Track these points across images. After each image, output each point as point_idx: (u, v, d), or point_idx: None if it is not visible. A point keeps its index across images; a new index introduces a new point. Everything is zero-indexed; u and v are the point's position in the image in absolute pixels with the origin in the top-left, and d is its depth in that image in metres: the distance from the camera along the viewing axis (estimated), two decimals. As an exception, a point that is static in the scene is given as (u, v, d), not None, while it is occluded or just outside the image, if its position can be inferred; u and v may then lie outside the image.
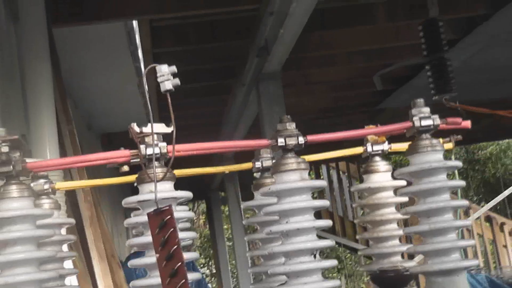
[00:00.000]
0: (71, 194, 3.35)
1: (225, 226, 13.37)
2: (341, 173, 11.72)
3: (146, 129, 1.53)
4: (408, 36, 5.29)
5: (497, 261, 10.95)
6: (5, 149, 1.45)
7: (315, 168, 11.91)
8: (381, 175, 1.88)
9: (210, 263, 17.37)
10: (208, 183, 11.27)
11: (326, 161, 11.47)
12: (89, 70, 5.37)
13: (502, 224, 11.45)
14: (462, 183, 1.64)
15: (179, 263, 1.19)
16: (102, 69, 5.42)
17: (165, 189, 1.49)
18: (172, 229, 1.21)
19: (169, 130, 1.55)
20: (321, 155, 1.84)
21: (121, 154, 1.53)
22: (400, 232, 1.84)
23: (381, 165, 1.88)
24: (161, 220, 1.23)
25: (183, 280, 1.18)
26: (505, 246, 11.34)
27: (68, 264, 2.09)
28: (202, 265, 17.32)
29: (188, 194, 1.51)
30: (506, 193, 11.66)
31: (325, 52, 5.79)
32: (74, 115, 4.41)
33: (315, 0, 3.67)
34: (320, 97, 7.30)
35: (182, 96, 6.23)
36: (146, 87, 1.24)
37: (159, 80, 1.33)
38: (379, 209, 1.86)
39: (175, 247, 1.20)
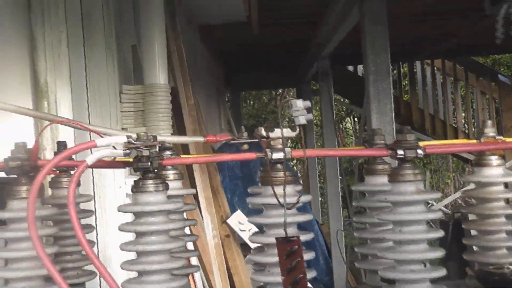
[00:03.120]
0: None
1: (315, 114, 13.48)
2: (435, 69, 11.51)
3: (273, 134, 1.62)
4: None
5: None
6: (146, 153, 1.57)
7: (408, 65, 11.74)
8: (493, 170, 1.91)
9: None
10: (300, 72, 11.31)
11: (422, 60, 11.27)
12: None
13: None
14: None
15: (303, 288, 1.31)
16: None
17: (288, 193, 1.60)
18: (299, 259, 1.32)
19: (293, 134, 1.63)
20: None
21: (248, 156, 1.64)
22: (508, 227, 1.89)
23: (493, 160, 1.91)
24: (289, 248, 1.34)
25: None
26: None
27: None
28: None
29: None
30: None
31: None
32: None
33: None
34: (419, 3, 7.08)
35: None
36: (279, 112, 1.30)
37: (293, 114, 1.40)
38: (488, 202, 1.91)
39: (301, 275, 1.32)
